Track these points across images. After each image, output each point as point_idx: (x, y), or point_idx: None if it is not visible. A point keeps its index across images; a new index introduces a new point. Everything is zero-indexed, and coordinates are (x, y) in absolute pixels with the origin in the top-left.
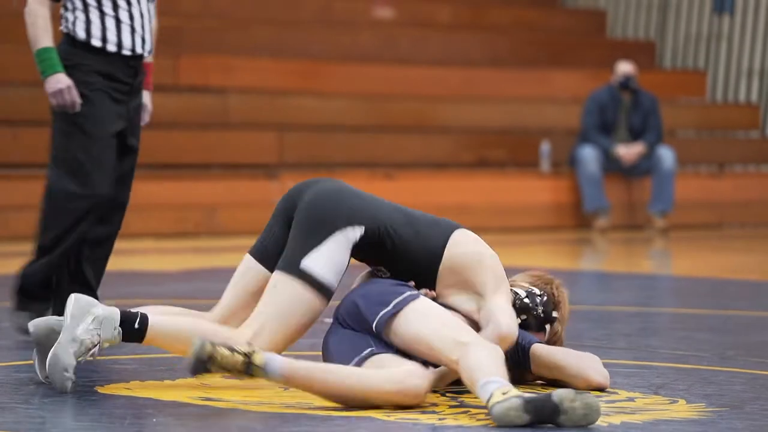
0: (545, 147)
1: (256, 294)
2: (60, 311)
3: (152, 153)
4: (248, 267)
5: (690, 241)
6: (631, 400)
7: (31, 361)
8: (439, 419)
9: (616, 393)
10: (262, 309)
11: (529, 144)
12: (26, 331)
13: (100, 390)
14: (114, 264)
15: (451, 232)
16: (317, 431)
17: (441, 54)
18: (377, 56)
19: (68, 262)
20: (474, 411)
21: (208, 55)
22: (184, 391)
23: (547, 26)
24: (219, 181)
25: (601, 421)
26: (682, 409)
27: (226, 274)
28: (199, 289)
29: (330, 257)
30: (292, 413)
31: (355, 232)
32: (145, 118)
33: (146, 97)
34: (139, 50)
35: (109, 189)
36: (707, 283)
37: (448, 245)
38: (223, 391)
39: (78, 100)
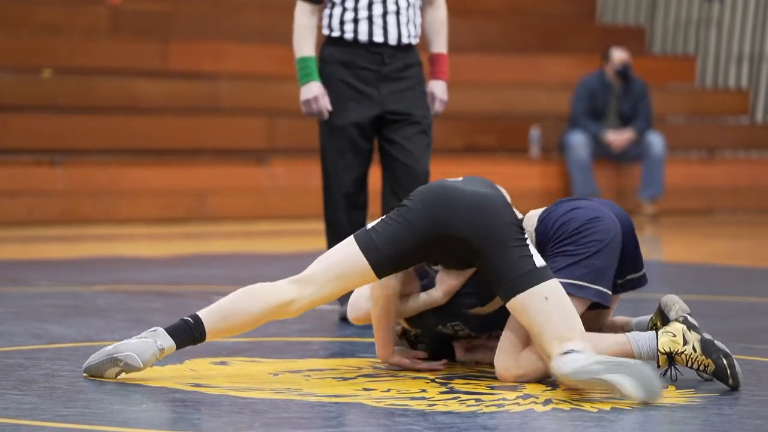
0: (535, 133)
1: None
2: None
3: (142, 138)
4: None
5: (680, 227)
6: None
7: (23, 347)
8: (429, 405)
9: None
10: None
11: (519, 129)
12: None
13: (89, 376)
14: (103, 249)
15: None
16: (307, 417)
17: None
18: None
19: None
20: (464, 397)
21: (199, 40)
22: (173, 378)
23: (537, 11)
24: (209, 167)
25: (591, 407)
26: (671, 395)
27: (216, 260)
28: (189, 275)
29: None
30: (282, 399)
31: None
32: (436, 106)
33: (437, 86)
34: (377, 39)
35: (347, 174)
36: (697, 269)
37: None
38: (213, 378)
39: (326, 108)
